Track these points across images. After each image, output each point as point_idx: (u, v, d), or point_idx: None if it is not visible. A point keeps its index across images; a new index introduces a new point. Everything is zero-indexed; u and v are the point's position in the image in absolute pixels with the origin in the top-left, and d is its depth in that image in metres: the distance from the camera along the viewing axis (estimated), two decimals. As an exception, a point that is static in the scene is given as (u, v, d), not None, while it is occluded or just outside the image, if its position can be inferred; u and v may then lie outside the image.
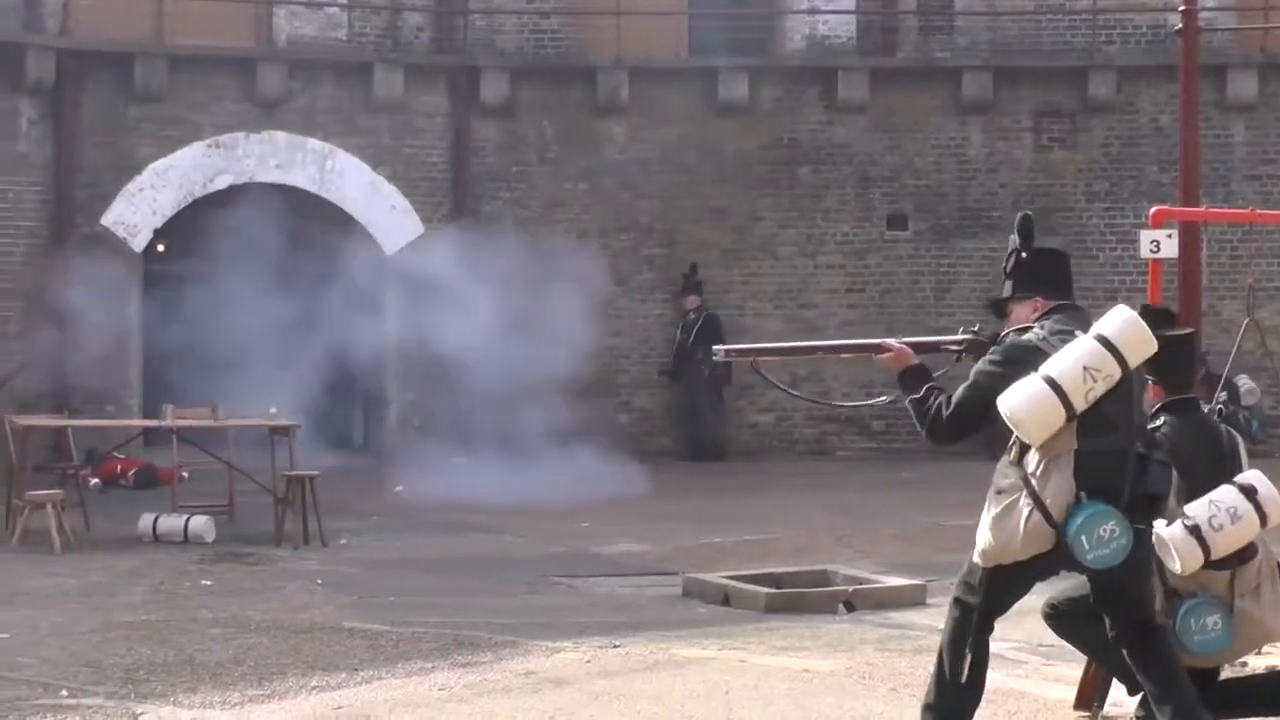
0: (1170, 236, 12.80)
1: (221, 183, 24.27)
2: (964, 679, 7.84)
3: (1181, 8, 16.79)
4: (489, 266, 24.41)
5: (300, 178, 24.54)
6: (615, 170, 25.50)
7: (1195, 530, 8.19)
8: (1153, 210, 12.52)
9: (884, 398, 9.62)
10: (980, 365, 8.07)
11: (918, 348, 8.53)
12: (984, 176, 25.67)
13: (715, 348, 9.60)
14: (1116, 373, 7.72)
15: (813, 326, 25.60)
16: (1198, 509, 8.22)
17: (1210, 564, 8.30)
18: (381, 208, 24.88)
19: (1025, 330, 8.08)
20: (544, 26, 25.54)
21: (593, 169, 25.46)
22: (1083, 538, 7.60)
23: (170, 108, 24.03)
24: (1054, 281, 8.27)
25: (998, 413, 7.82)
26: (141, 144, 23.85)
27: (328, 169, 24.60)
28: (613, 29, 25.00)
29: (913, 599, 13.15)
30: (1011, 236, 8.44)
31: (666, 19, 25.60)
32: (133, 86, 23.63)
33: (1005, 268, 8.42)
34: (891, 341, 8.60)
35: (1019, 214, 8.57)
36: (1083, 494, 7.67)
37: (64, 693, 9.49)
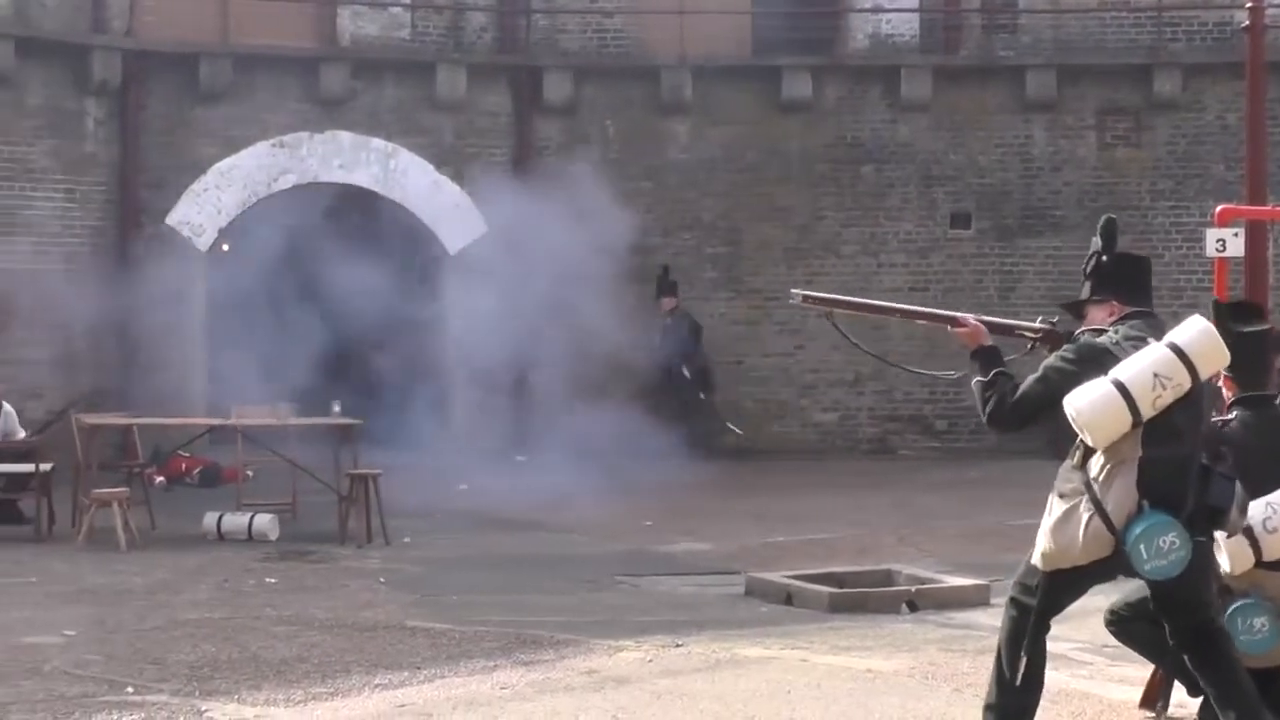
0: (1236, 235, 12.71)
1: (285, 182, 24.37)
2: (1020, 680, 7.80)
3: (1248, 4, 16.69)
4: (548, 262, 24.47)
5: (364, 177, 24.62)
6: (678, 169, 25.50)
7: (1248, 531, 8.13)
8: (1219, 209, 12.42)
9: (953, 372, 9.50)
10: (1051, 360, 8.03)
11: (993, 329, 8.47)
12: (1048, 175, 25.56)
13: (793, 290, 9.44)
14: (1187, 382, 7.65)
15: (875, 326, 25.51)
16: (1254, 509, 8.15)
17: (1264, 564, 8.24)
18: (444, 207, 24.93)
19: (1100, 332, 8.02)
20: (607, 25, 25.56)
21: (656, 168, 25.46)
22: (1141, 547, 7.54)
23: (235, 108, 24.13)
24: (1132, 287, 8.22)
25: (1062, 412, 7.77)
26: (206, 144, 23.96)
27: (391, 168, 24.67)
28: (676, 27, 25.00)
29: (976, 599, 13.09)
30: (1094, 238, 8.40)
31: (730, 17, 25.58)
32: (197, 86, 23.75)
33: (1085, 269, 8.37)
34: (968, 317, 8.54)
35: (1103, 217, 8.53)
36: (1145, 503, 7.61)
37: (130, 690, 9.54)
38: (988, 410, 8.06)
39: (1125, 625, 8.66)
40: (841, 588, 13.25)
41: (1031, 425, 8.06)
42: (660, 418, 24.54)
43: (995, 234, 25.53)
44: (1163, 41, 25.41)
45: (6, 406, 18.14)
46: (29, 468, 16.73)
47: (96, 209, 23.26)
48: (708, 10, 25.23)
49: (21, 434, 18.11)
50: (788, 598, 13.09)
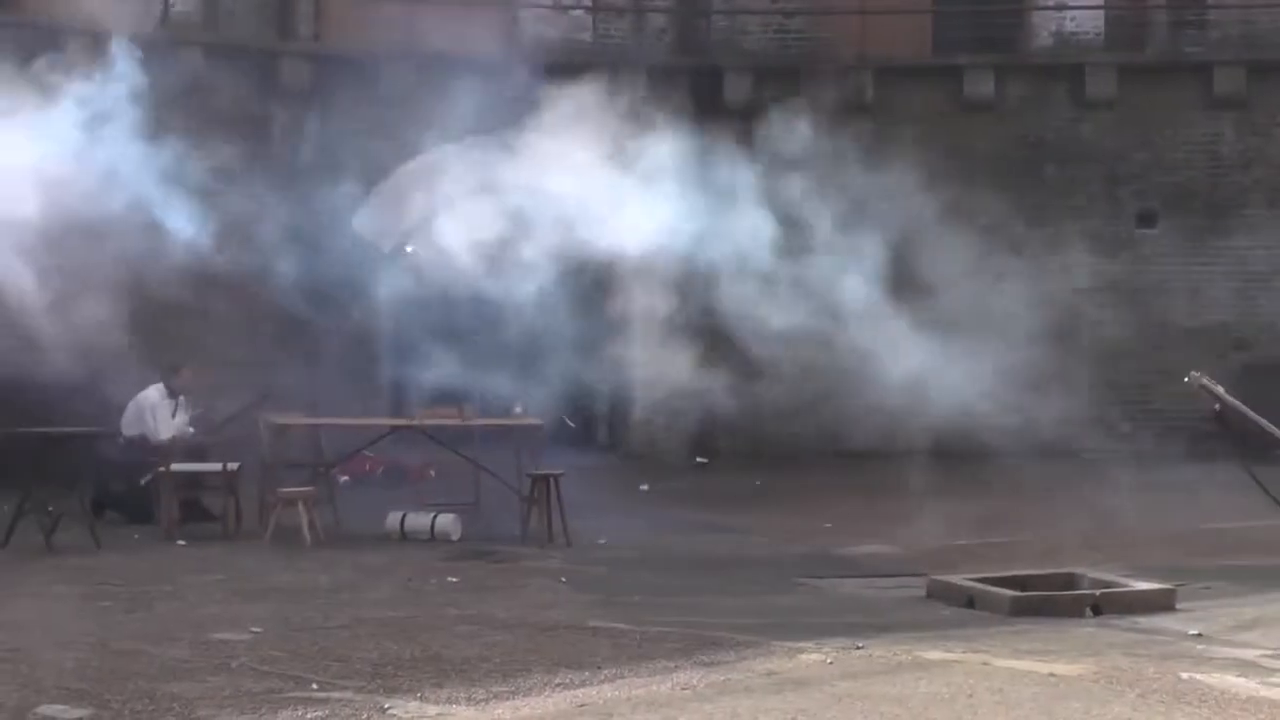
0: None
1: (469, 185, 24.53)
2: None
3: None
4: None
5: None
6: (860, 169, 25.37)
7: None
8: None
9: None
10: None
11: None
12: (1237, 173, 25.16)
13: (1193, 373, 9.12)
14: None
15: (1058, 326, 25.29)
16: None
17: None
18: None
19: None
20: (787, 26, 25.51)
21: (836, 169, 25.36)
22: None
23: (418, 111, 24.34)
24: None
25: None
26: (391, 147, 24.21)
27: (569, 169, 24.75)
28: (857, 27, 24.90)
29: (1162, 603, 12.90)
30: None
31: (911, 17, 25.44)
32: (382, 90, 23.99)
33: None
34: None
35: None
36: None
37: (314, 686, 9.63)
38: None
39: None
40: (1024, 591, 13.12)
41: None
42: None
43: (1183, 233, 25.17)
44: (1356, 36, 24.96)
45: (186, 401, 18.39)
46: (216, 466, 16.98)
47: (284, 211, 23.54)
48: (889, 10, 25.11)
49: (190, 430, 18.37)
50: (969, 601, 12.98)
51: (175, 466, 16.82)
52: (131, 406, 18.21)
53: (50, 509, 15.46)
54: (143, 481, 17.70)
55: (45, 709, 9.00)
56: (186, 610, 12.25)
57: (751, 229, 25.13)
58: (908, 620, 12.29)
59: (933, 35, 25.83)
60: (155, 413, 18.06)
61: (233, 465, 16.86)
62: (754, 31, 25.50)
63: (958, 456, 24.41)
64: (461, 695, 9.49)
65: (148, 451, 17.71)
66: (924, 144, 25.35)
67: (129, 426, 18.15)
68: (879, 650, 10.91)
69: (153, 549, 15.63)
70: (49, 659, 10.31)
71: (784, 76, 25.34)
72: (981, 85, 25.17)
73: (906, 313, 25.34)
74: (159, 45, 21.10)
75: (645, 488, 21.05)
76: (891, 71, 25.21)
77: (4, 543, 15.30)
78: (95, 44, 21.11)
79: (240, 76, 22.84)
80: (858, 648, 10.96)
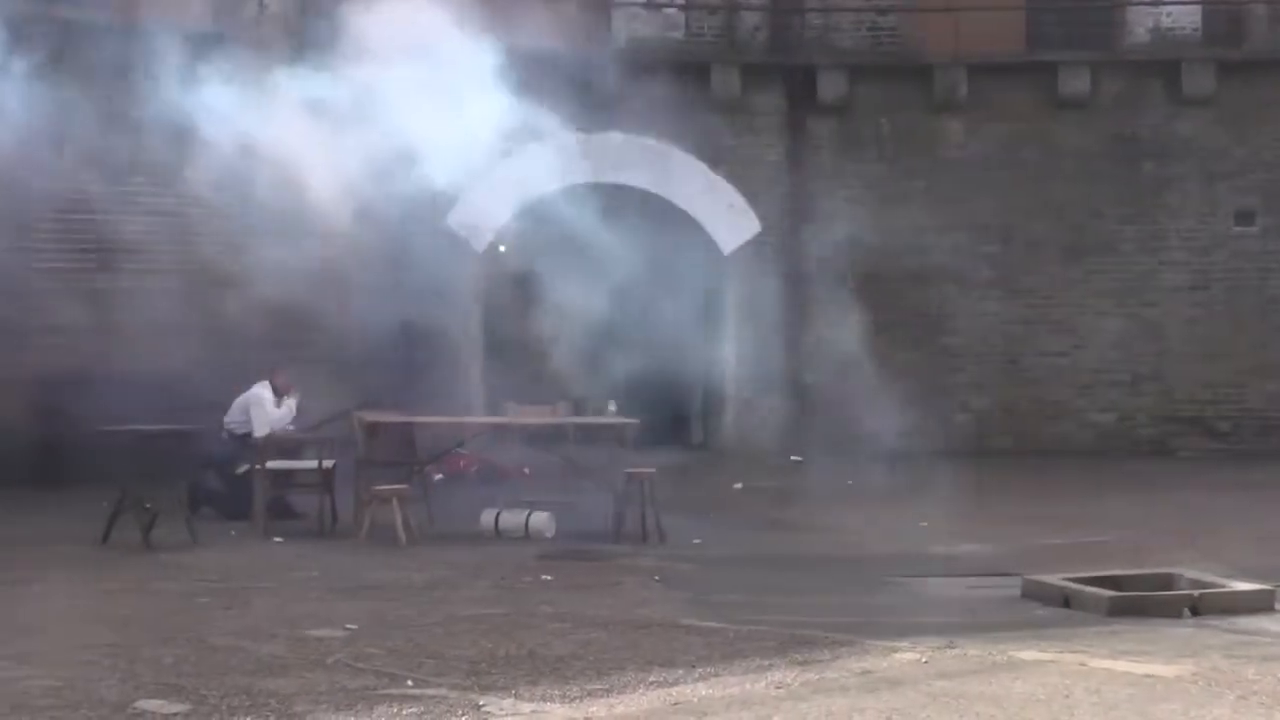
0: None
1: (561, 183, 24.59)
2: None
3: None
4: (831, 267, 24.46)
5: (638, 177, 24.77)
6: (953, 168, 25.31)
7: None
8: None
9: None
10: None
11: None
12: (1338, 170, 24.97)
13: None
14: None
15: (1154, 325, 25.12)
16: None
17: None
18: (719, 207, 24.99)
19: None
20: (881, 24, 25.45)
21: (930, 166, 25.30)
22: None
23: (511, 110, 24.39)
24: None
25: None
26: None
27: (665, 169, 24.77)
28: (950, 25, 24.82)
29: (1262, 604, 12.78)
30: None
31: (1005, 14, 25.32)
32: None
33: None
34: None
35: None
36: None
37: (409, 683, 9.67)
38: None
39: None
40: (1120, 591, 13.02)
41: None
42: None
43: (1281, 231, 24.99)
44: None
45: (289, 400, 18.52)
46: (311, 464, 17.07)
47: (378, 210, 23.62)
48: (982, 7, 25.01)
49: (290, 426, 18.49)
50: (1065, 600, 12.90)
51: (270, 464, 16.91)
52: (239, 402, 18.36)
53: (148, 506, 15.59)
54: (238, 472, 17.85)
55: (144, 703, 9.08)
56: (283, 607, 12.32)
57: (845, 223, 25.13)
58: (1003, 620, 12.22)
59: (1027, 32, 25.68)
60: (260, 408, 18.18)
61: (328, 463, 16.94)
62: (847, 29, 25.45)
63: (1054, 455, 24.33)
64: (555, 693, 9.51)
65: (246, 447, 17.85)
66: (1017, 141, 25.25)
67: (234, 422, 18.29)
68: (974, 650, 10.86)
69: (249, 546, 15.74)
70: (148, 654, 10.41)
71: (877, 74, 25.27)
72: (1076, 82, 25.02)
73: (1002, 310, 25.27)
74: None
75: (739, 486, 21.03)
76: (985, 69, 25.10)
77: (104, 539, 15.44)
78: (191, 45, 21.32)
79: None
80: (952, 647, 10.91)
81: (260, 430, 17.94)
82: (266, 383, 18.43)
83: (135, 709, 8.97)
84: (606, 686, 9.69)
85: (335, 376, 23.01)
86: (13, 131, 20.19)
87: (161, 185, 21.82)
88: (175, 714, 8.91)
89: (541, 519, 16.57)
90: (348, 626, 11.45)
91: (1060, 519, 17.90)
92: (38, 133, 20.64)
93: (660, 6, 24.94)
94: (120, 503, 15.52)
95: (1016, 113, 25.24)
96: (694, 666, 10.26)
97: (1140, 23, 25.36)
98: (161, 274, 21.74)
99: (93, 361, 20.91)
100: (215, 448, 18.08)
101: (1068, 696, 9.54)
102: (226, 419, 18.27)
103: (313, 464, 17.02)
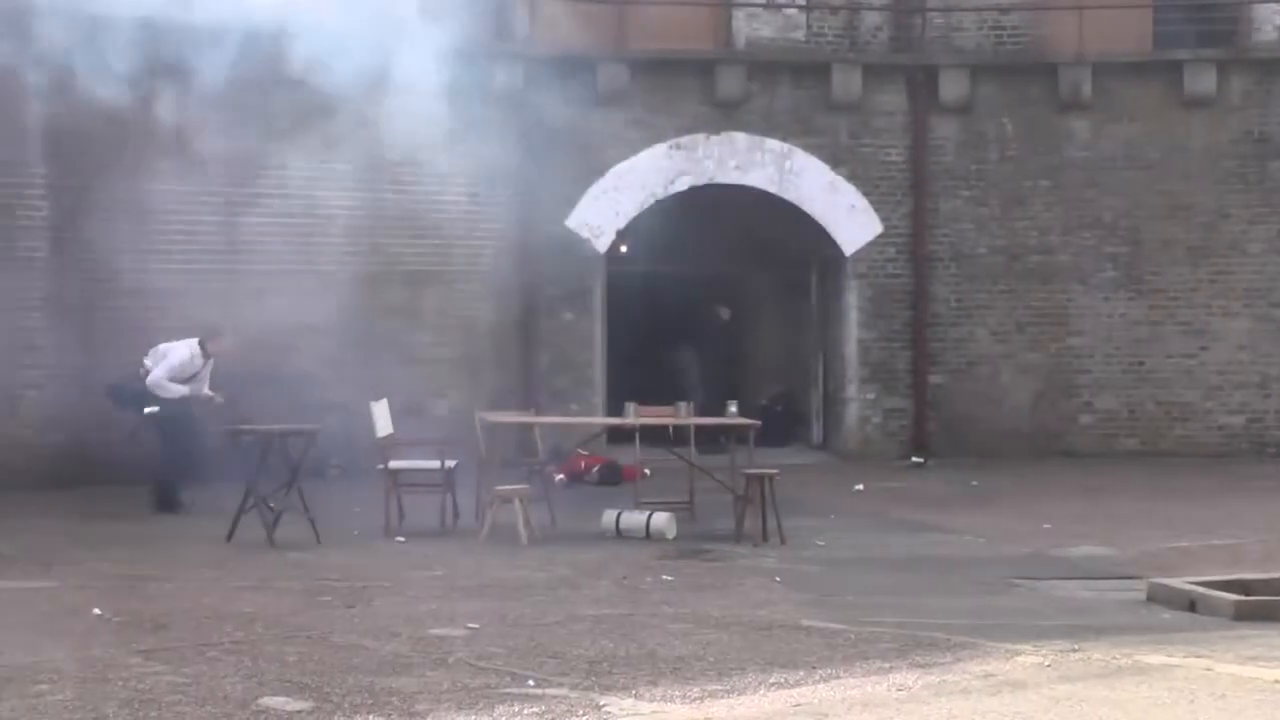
0: None
1: (682, 184, 24.62)
2: None
3: None
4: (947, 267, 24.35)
5: (759, 178, 24.73)
6: (1077, 167, 25.10)
7: None
8: None
9: None
10: None
11: None
12: None
13: None
14: None
15: (1283, 327, 24.85)
16: None
17: None
18: (840, 207, 24.91)
19: None
20: (1004, 23, 25.28)
21: (1054, 166, 25.10)
22: None
23: (632, 111, 24.47)
24: None
25: None
26: (604, 147, 24.34)
27: (786, 169, 24.73)
28: (1074, 23, 24.62)
29: (1393, 609, 12.59)
30: None
31: (1130, 12, 25.10)
32: (596, 90, 24.11)
33: None
34: None
35: None
36: None
37: (530, 682, 9.70)
38: None
39: None
40: (1248, 595, 12.86)
41: None
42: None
43: None
44: None
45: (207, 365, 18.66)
46: (434, 464, 17.16)
47: (499, 212, 23.77)
48: (1107, 4, 24.80)
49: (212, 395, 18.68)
50: (1191, 604, 12.76)
51: (393, 464, 17.01)
52: (163, 348, 18.43)
53: (272, 505, 15.73)
54: (145, 410, 18.11)
55: (268, 700, 9.16)
56: (405, 606, 12.39)
57: (967, 224, 24.98)
58: (1127, 623, 12.11)
59: (1153, 30, 25.42)
60: (166, 362, 18.25)
61: (450, 463, 17.03)
62: (969, 28, 25.29)
63: (1180, 457, 24.07)
64: (676, 693, 9.51)
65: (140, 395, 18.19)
66: (1143, 140, 25.01)
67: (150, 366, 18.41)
68: (1098, 653, 10.77)
69: (372, 545, 15.84)
70: (272, 651, 10.50)
71: (1000, 73, 25.11)
72: (1202, 80, 24.75)
73: (1128, 310, 25.04)
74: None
75: (859, 487, 20.96)
76: (1110, 67, 24.87)
77: (228, 537, 15.59)
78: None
79: (455, 77, 23.02)
80: (1075, 650, 10.83)
81: (157, 374, 18.05)
82: (196, 342, 18.50)
83: (259, 706, 9.05)
84: (727, 687, 9.68)
85: (459, 376, 23.17)
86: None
87: (289, 186, 22.00)
88: (298, 711, 8.98)
89: (662, 519, 16.57)
90: (469, 625, 11.50)
91: (1186, 521, 17.71)
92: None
93: (781, 7, 24.90)
94: (245, 501, 15.67)
95: (1142, 111, 25.00)
96: (815, 668, 10.23)
97: (1268, 20, 25.04)
98: (288, 274, 21.91)
99: (222, 360, 21.14)
100: (133, 384, 18.25)
101: (1192, 702, 9.44)
102: (147, 360, 18.38)
103: (435, 464, 17.09)
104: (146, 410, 18.08)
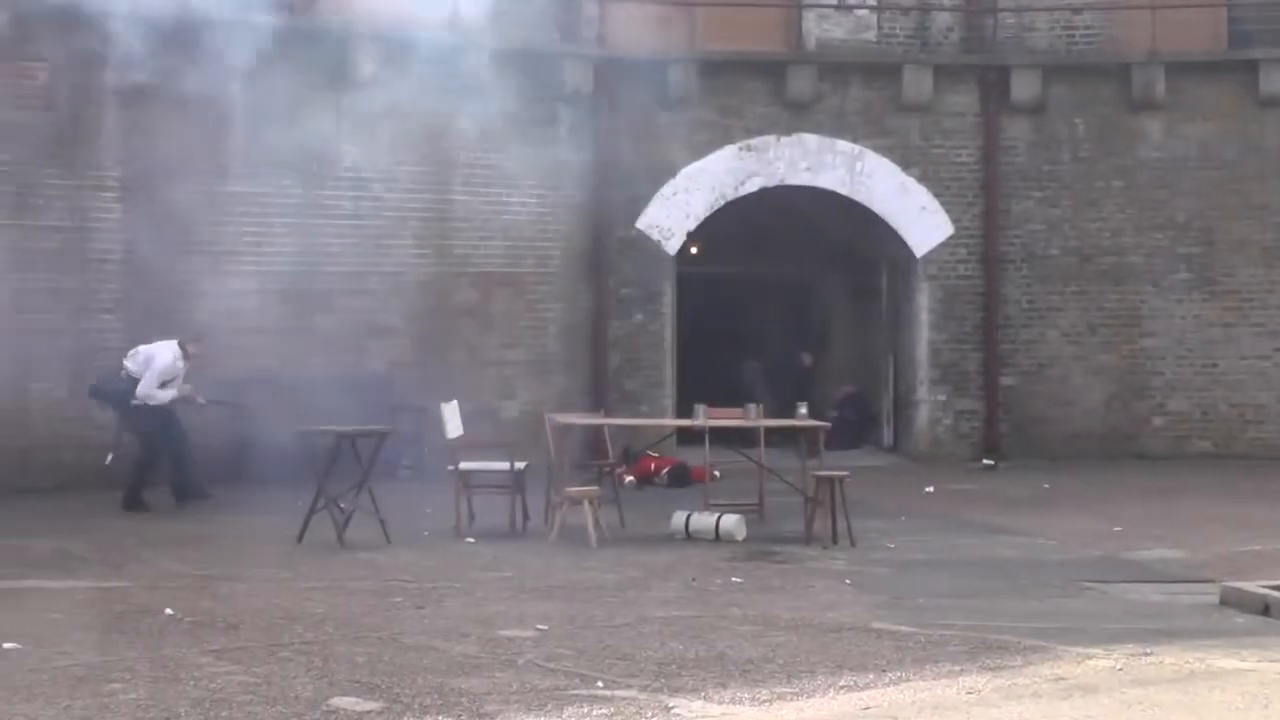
0: None
1: (752, 185, 24.58)
2: None
3: None
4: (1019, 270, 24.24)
5: (830, 179, 24.67)
6: (1151, 167, 24.95)
7: None
8: None
9: None
10: None
11: None
12: None
13: None
14: None
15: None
16: None
17: None
18: (911, 209, 24.84)
19: None
20: (1075, 23, 25.15)
21: (1127, 166, 24.96)
22: None
23: (702, 112, 24.45)
24: None
25: None
26: (674, 148, 24.34)
27: (857, 170, 24.67)
28: (1147, 22, 24.48)
29: None
30: None
31: (1204, 10, 24.94)
32: (666, 92, 24.11)
33: None
34: None
35: None
36: None
37: (599, 684, 9.70)
38: None
39: None
40: (1323, 599, 12.77)
41: None
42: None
43: None
44: None
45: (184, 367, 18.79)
46: (504, 465, 17.18)
47: (568, 213, 23.80)
48: (1181, 3, 24.64)
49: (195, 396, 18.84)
50: (1265, 608, 12.67)
51: (464, 465, 17.05)
52: (146, 351, 18.56)
53: (342, 506, 15.79)
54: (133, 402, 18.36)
55: (338, 701, 9.19)
56: (474, 607, 12.42)
57: (1039, 225, 24.87)
58: (1200, 627, 12.03)
59: (1228, 29, 25.24)
60: (152, 373, 18.42)
61: (520, 464, 17.05)
62: (1041, 28, 25.18)
63: (1254, 459, 23.90)
64: (745, 696, 9.50)
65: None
66: (1217, 140, 24.84)
67: (134, 370, 18.53)
68: (1170, 657, 10.70)
69: (441, 546, 15.88)
70: (342, 652, 10.54)
71: (1072, 73, 24.98)
72: (1278, 79, 24.56)
73: (1202, 312, 24.87)
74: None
75: (930, 489, 20.89)
76: (1183, 66, 24.71)
77: (299, 538, 15.66)
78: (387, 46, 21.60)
79: (524, 79, 23.11)
80: (1147, 654, 10.76)
81: (158, 394, 18.26)
82: (176, 344, 18.64)
83: (329, 706, 9.08)
84: (796, 690, 9.66)
85: (529, 377, 23.20)
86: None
87: (359, 190, 22.08)
88: (368, 712, 9.00)
89: (732, 521, 16.55)
90: (538, 627, 11.51)
91: (1260, 524, 17.57)
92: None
93: (852, 8, 24.84)
94: (315, 502, 15.73)
95: (1216, 111, 24.83)
96: (885, 670, 10.20)
97: (1345, 18, 24.89)
98: (359, 276, 22.00)
99: (291, 362, 21.24)
100: (116, 384, 18.38)
101: (1266, 706, 9.38)
102: (128, 362, 18.50)
103: (505, 465, 17.12)
104: (134, 402, 18.34)
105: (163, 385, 18.45)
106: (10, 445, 19.71)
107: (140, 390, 18.34)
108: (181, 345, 18.69)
